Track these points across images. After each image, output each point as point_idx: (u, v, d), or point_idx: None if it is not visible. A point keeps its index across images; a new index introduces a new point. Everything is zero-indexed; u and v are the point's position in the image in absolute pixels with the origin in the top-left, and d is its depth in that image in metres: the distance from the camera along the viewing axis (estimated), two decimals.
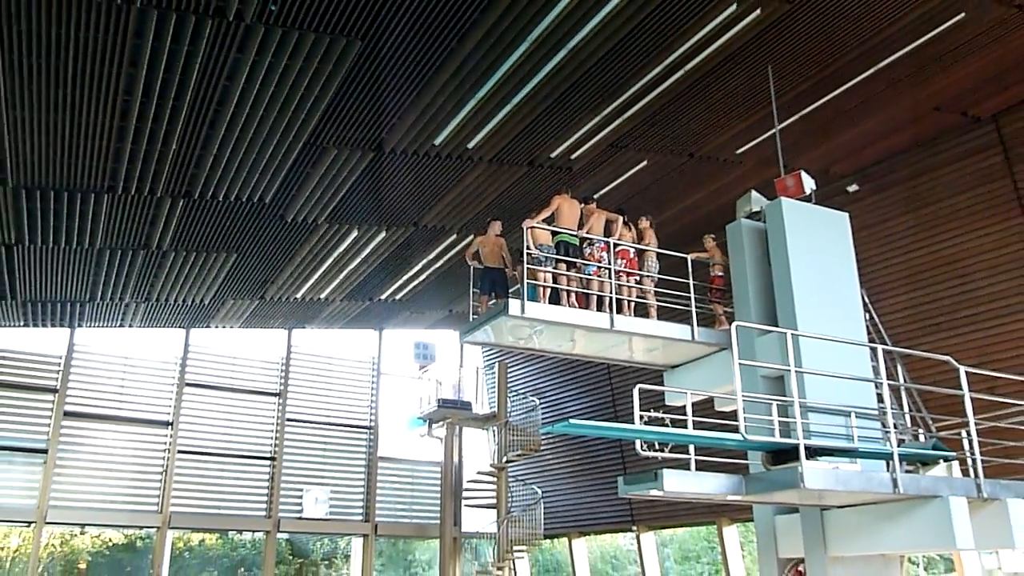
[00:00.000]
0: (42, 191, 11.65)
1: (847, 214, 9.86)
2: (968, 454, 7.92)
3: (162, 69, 9.04)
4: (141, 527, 18.75)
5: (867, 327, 9.50)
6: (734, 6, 9.24)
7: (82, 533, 18.99)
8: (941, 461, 8.30)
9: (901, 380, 9.12)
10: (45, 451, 17.73)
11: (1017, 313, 12.07)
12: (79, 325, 18.51)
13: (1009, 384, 8.98)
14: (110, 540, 19.46)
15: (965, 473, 8.16)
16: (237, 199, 12.66)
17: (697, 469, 7.59)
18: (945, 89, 11.54)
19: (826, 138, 12.59)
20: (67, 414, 18.14)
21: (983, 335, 12.33)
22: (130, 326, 19.02)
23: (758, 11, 9.38)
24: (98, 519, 18.30)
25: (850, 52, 10.40)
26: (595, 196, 10.78)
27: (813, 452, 7.08)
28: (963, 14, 9.71)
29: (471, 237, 10.37)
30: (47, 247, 13.62)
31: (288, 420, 20.55)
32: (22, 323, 17.81)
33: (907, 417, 9.26)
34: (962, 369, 8.01)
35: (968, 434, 7.91)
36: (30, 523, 17.42)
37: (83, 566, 19.34)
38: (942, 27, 9.91)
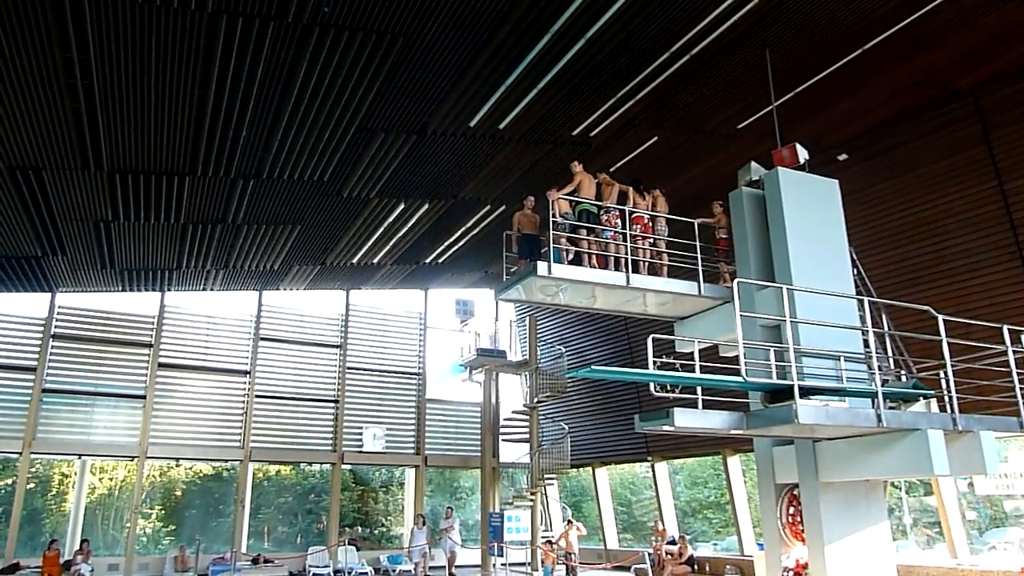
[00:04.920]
0: (133, 174, 11.80)
1: (837, 181, 9.69)
2: (945, 392, 7.84)
3: (232, 66, 9.08)
4: (226, 460, 19.22)
5: (855, 281, 9.38)
6: None
7: (177, 465, 19.50)
8: (921, 398, 8.24)
9: (885, 327, 9.04)
10: (144, 397, 18.22)
11: (989, 267, 11.84)
12: (168, 289, 18.84)
13: (982, 330, 8.83)
14: (200, 471, 19.97)
15: (942, 409, 8.09)
16: (299, 178, 12.73)
17: (704, 407, 7.62)
18: (927, 66, 11.20)
19: (818, 112, 12.31)
20: (161, 365, 18.58)
21: (959, 287, 12.12)
22: (211, 289, 19.31)
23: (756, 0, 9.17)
24: (190, 454, 18.81)
25: (839, 34, 10.13)
26: (611, 169, 10.69)
27: (806, 392, 7.06)
28: None
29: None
30: (139, 223, 13.83)
31: (348, 368, 20.83)
32: (120, 288, 18.17)
33: (891, 360, 9.17)
34: (940, 317, 7.90)
35: (945, 374, 7.82)
36: (133, 457, 17.99)
37: (179, 493, 19.91)
38: (923, 9, 9.60)
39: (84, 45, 8.32)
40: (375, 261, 18.32)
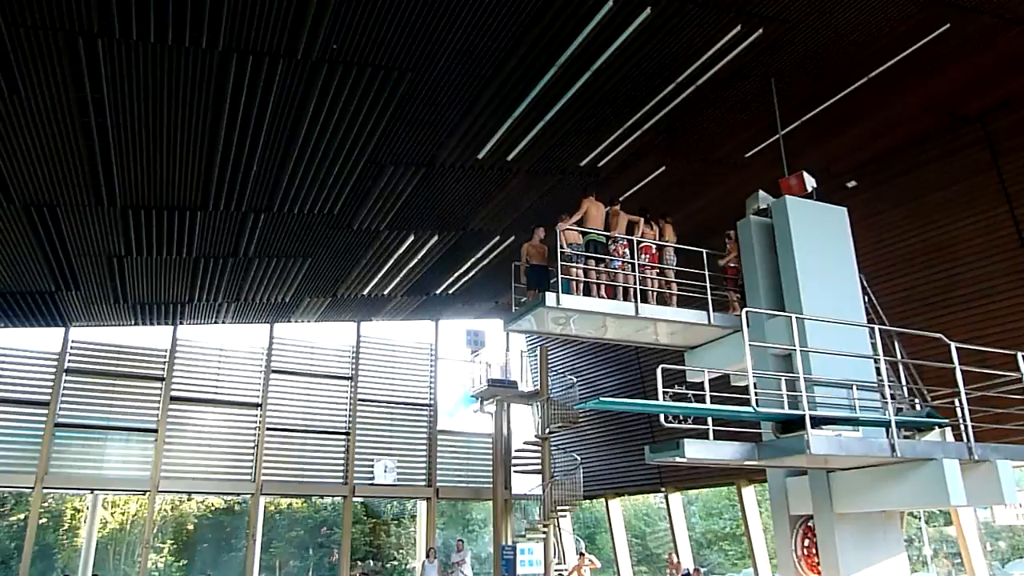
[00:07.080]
0: (145, 210, 11.93)
1: (846, 208, 9.67)
2: (960, 420, 7.74)
3: (242, 103, 9.21)
4: (238, 494, 19.14)
5: (866, 308, 9.32)
6: (739, 27, 9.11)
7: (189, 500, 19.47)
8: (936, 427, 8.13)
9: (898, 355, 8.96)
10: (155, 431, 18.19)
11: (1003, 292, 11.72)
12: (180, 322, 18.91)
13: (996, 357, 8.72)
14: (212, 505, 19.93)
15: (958, 438, 7.97)
16: (310, 211, 12.82)
17: (715, 438, 7.54)
18: (933, 92, 11.23)
19: (826, 140, 12.34)
20: (173, 399, 18.58)
21: (972, 313, 11.99)
22: (223, 322, 19.37)
23: (760, 30, 9.23)
24: (201, 488, 18.71)
25: (845, 63, 10.18)
26: (620, 199, 10.73)
27: (818, 421, 6.99)
28: (948, 24, 9.45)
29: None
30: (152, 257, 13.96)
31: (359, 400, 20.76)
32: (133, 322, 18.28)
33: (904, 388, 9.06)
34: (952, 344, 7.82)
35: (960, 402, 7.73)
36: (145, 492, 17.91)
37: (191, 527, 19.84)
38: (929, 37, 9.65)
39: (98, 84, 8.47)
40: (386, 293, 18.36)
